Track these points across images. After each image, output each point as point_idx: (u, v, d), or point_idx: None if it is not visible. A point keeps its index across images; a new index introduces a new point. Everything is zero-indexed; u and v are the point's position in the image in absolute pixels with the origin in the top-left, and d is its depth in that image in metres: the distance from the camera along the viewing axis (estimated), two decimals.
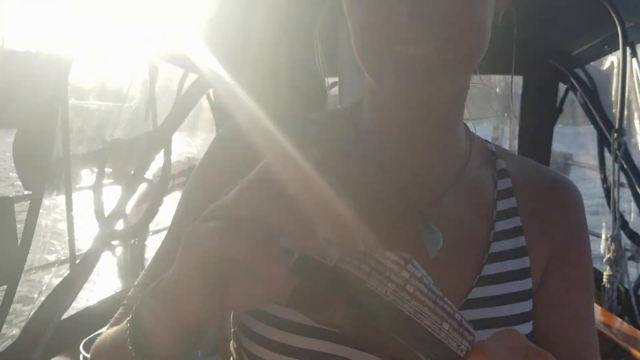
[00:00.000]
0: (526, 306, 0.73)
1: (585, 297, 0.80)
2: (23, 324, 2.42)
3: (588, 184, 4.60)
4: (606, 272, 3.24)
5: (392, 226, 0.68)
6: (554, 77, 4.00)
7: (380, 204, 0.70)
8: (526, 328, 0.73)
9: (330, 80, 1.93)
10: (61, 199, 2.40)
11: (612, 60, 3.49)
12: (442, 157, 0.75)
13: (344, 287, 0.47)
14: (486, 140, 0.85)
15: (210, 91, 3.19)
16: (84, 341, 2.01)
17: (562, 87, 4.03)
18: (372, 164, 0.73)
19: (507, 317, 0.71)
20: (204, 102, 3.22)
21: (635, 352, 2.39)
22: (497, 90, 5.08)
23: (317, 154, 0.72)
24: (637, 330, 2.74)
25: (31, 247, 2.18)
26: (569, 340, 0.77)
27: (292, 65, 0.62)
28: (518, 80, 4.32)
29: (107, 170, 2.75)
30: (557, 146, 4.41)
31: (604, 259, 3.26)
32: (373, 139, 0.75)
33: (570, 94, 3.94)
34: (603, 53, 3.55)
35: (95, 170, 2.69)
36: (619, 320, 2.88)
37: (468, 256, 0.72)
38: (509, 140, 4.83)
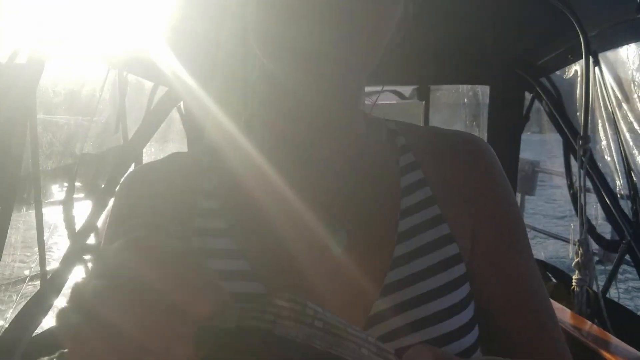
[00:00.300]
0: (456, 271, 0.72)
1: (523, 254, 0.78)
2: None
3: (555, 190, 4.69)
4: (575, 276, 3.29)
5: (297, 228, 0.67)
6: (519, 86, 4.08)
7: (284, 207, 0.69)
8: (463, 291, 0.71)
9: None
10: (31, 214, 2.37)
11: (575, 69, 3.58)
12: (337, 147, 0.74)
13: (254, 344, 0.44)
14: (388, 120, 0.84)
15: (181, 103, 3.18)
16: (56, 355, 1.98)
17: (528, 96, 4.11)
18: (270, 170, 0.71)
19: (433, 290, 0.69)
20: (175, 114, 3.21)
21: (605, 354, 2.43)
22: (465, 100, 5.16)
23: (213, 205, 0.71)
24: (607, 333, 2.78)
25: (0, 263, 2.15)
26: (511, 299, 0.75)
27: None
28: (485, 89, 4.40)
29: (77, 184, 2.73)
30: (525, 154, 4.49)
31: (573, 264, 3.31)
32: (267, 139, 0.73)
33: (536, 103, 4.02)
34: (567, 62, 3.63)
35: (65, 185, 2.66)
36: (589, 323, 2.93)
37: (378, 241, 0.71)
38: None
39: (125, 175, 0.80)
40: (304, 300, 0.47)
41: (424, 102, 4.63)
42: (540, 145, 4.73)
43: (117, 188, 0.79)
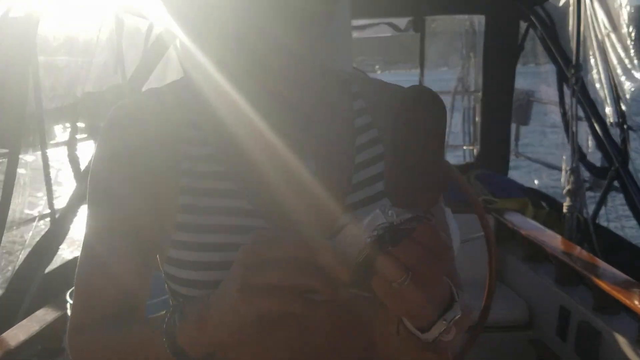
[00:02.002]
0: None
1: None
2: (8, 279, 2.49)
3: (549, 119, 4.73)
4: (566, 203, 3.39)
5: (274, 158, 0.80)
6: (515, 15, 4.08)
7: (262, 139, 0.80)
8: None
9: None
10: (37, 155, 2.43)
11: None
12: (304, 87, 0.84)
13: None
14: (342, 71, 0.96)
15: (177, 41, 3.19)
16: (69, 290, 2.08)
17: (523, 26, 4.12)
18: (250, 109, 0.81)
19: None
20: (172, 52, 3.23)
21: (594, 278, 2.52)
22: (462, 30, 5.14)
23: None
24: (596, 257, 2.88)
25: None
26: None
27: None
28: (482, 19, 4.40)
29: (80, 125, 2.78)
30: (520, 83, 4.51)
31: (564, 191, 3.40)
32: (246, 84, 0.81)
33: (531, 33, 4.03)
34: None
35: (68, 126, 2.71)
36: (579, 248, 3.02)
37: (339, 170, 0.85)
38: (474, 80, 4.90)
39: (111, 114, 0.84)
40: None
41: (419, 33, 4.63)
42: (535, 76, 4.75)
43: (105, 126, 0.84)
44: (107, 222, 0.83)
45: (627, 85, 3.24)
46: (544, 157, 5.12)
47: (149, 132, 0.82)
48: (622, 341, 2.30)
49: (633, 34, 3.16)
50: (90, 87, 2.87)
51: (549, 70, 4.14)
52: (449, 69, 5.85)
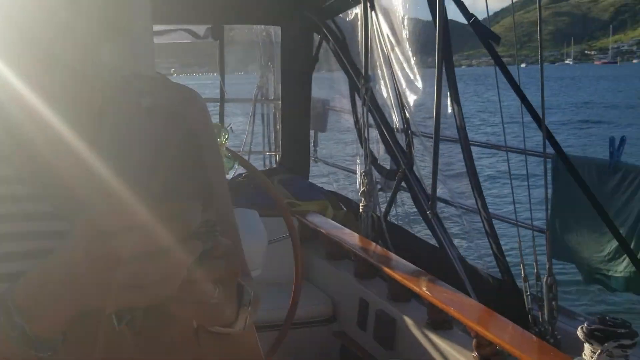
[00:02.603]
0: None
1: (220, 171, 0.99)
2: None
3: (344, 126, 5.00)
4: (361, 204, 3.64)
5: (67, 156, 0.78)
6: (308, 28, 4.28)
7: (54, 137, 0.78)
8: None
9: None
10: None
11: (356, 12, 3.84)
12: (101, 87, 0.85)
13: None
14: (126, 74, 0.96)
15: None
16: None
17: (317, 38, 4.34)
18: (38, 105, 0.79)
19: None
20: None
21: (388, 270, 2.74)
22: (260, 40, 5.28)
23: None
24: (389, 252, 3.14)
25: None
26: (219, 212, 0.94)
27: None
28: (278, 30, 4.56)
29: None
30: (317, 92, 4.73)
31: (359, 192, 3.65)
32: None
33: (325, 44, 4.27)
34: (349, 5, 3.89)
35: None
36: (374, 244, 3.25)
37: (139, 167, 0.83)
38: (274, 88, 5.05)
39: None
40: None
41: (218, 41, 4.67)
42: (330, 85, 4.99)
43: None
44: None
45: (410, 94, 3.58)
46: (341, 162, 5.41)
47: None
48: (413, 325, 2.54)
49: (414, 48, 3.51)
50: None
51: (341, 79, 4.37)
52: (245, 73, 5.98)
